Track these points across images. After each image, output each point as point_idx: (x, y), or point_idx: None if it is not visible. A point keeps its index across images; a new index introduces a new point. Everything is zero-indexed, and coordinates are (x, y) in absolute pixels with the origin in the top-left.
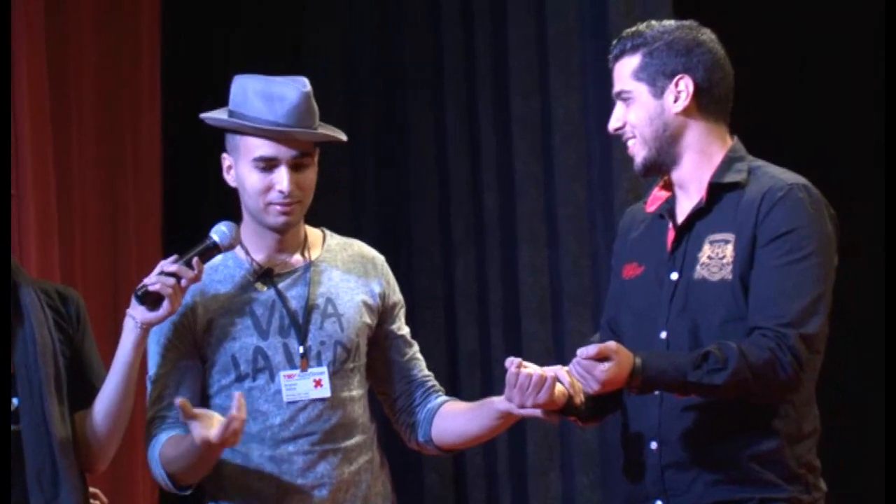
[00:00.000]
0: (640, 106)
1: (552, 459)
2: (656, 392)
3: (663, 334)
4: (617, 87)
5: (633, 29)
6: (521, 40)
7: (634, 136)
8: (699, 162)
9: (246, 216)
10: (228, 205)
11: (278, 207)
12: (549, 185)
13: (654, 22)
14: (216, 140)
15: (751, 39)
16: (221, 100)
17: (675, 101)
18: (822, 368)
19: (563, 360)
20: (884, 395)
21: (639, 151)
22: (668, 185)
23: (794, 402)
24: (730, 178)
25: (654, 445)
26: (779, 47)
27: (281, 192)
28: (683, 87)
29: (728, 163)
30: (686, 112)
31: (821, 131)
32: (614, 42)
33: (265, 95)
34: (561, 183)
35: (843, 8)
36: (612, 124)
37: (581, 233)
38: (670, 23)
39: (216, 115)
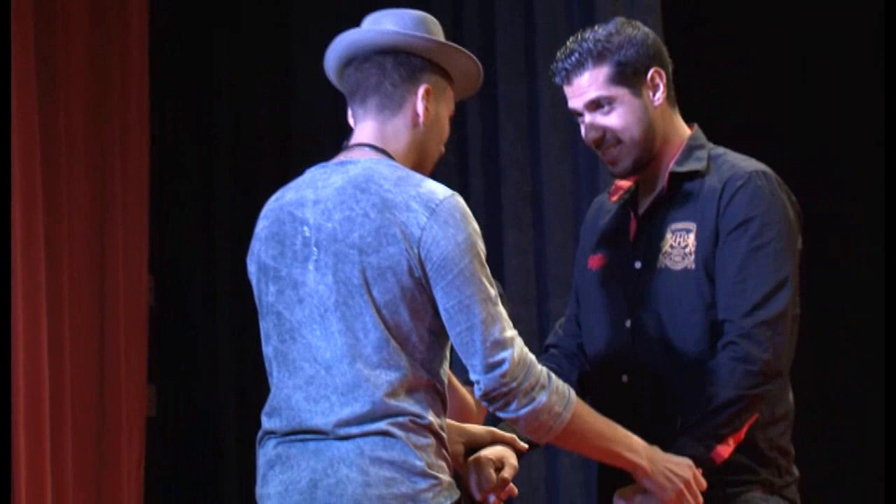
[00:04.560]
0: (626, 109)
1: None
2: (624, 378)
3: (628, 323)
4: (592, 96)
5: (581, 40)
6: (507, 24)
7: (621, 142)
8: (664, 151)
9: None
10: (215, 207)
11: None
12: (534, 169)
13: (596, 28)
14: (204, 140)
15: (751, 39)
16: (213, 96)
17: (654, 94)
18: (822, 368)
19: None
20: (884, 395)
21: (626, 155)
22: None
23: None
24: (689, 166)
25: None
26: (779, 47)
27: None
28: (659, 80)
29: (688, 151)
30: (661, 104)
31: (822, 131)
32: (560, 57)
33: None
34: (546, 166)
35: (843, 8)
36: (593, 135)
37: (566, 216)
38: (611, 25)
39: None
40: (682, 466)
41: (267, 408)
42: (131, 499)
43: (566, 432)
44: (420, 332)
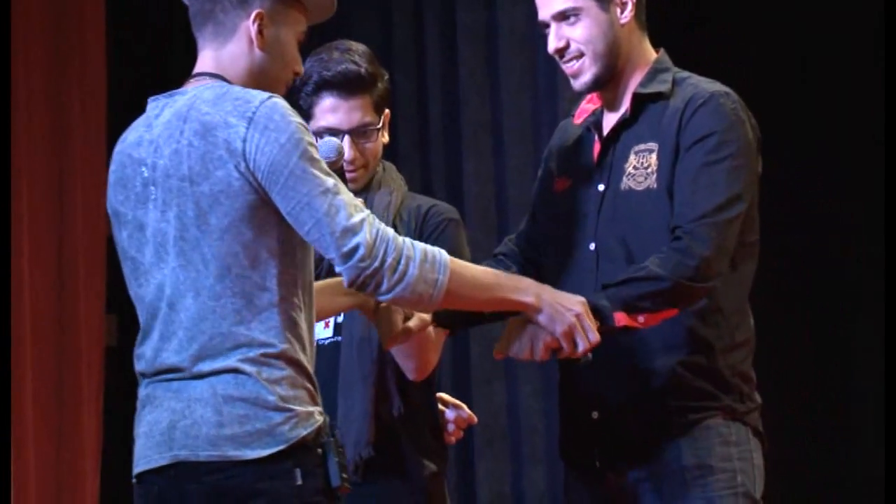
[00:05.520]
0: (591, 22)
1: (496, 368)
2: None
3: (592, 245)
4: (560, 7)
5: None
6: None
7: (583, 55)
8: (629, 73)
9: None
10: None
11: None
12: (494, 96)
13: None
14: (162, 60)
15: (751, 39)
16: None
17: (622, 12)
18: (822, 369)
19: None
20: (884, 394)
21: (588, 69)
22: (595, 98)
23: (723, 311)
24: (653, 88)
25: (589, 356)
26: (779, 47)
27: None
28: None
29: (653, 73)
30: (629, 23)
31: (822, 131)
32: None
33: None
34: (506, 93)
35: (843, 8)
36: (556, 44)
37: (526, 143)
38: None
39: None
40: (573, 301)
41: (136, 350)
42: (90, 427)
43: (448, 295)
44: (269, 246)
